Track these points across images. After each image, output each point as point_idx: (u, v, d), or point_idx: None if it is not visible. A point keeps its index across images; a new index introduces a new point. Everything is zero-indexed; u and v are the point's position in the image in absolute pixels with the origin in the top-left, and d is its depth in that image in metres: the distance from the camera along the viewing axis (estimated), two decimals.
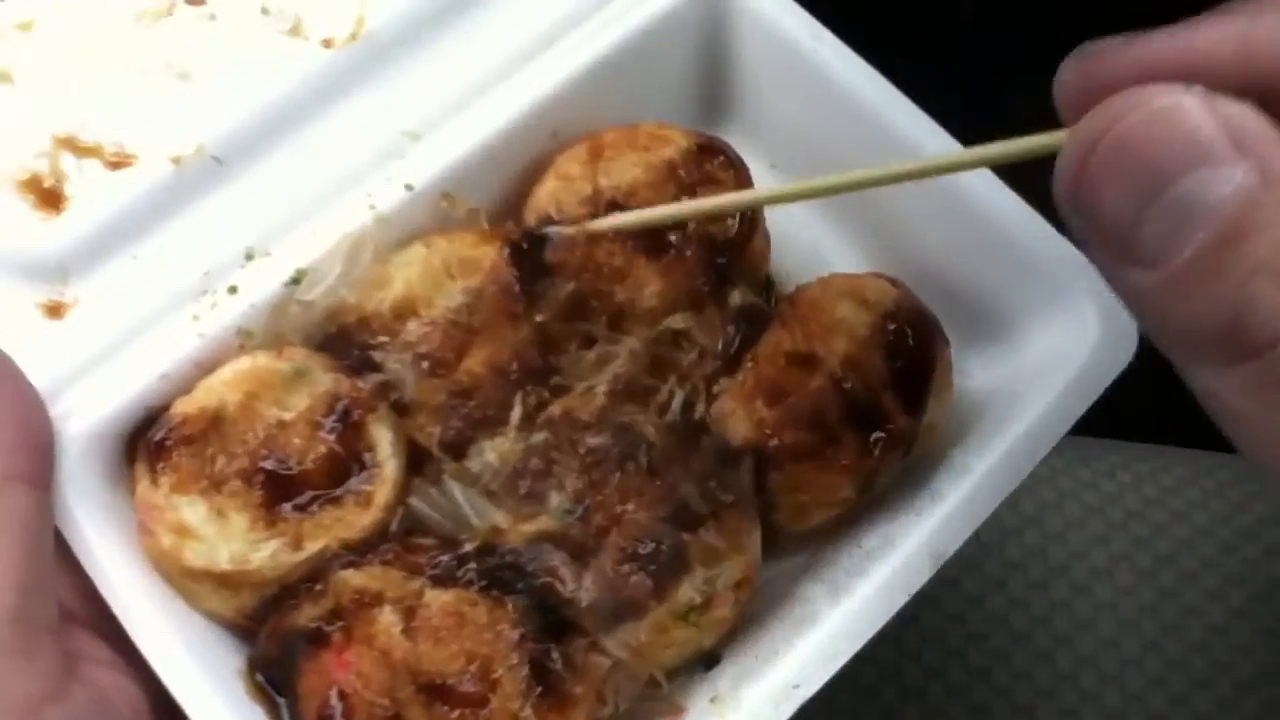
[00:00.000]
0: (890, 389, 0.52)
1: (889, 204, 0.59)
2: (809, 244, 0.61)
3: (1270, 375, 0.28)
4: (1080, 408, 0.52)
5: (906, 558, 0.49)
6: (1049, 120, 0.35)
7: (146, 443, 0.50)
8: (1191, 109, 0.29)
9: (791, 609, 0.50)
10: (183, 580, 0.49)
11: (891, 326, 0.53)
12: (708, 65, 0.61)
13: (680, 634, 0.49)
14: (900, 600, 0.48)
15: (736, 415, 0.51)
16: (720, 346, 0.53)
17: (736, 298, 0.54)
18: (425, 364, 0.51)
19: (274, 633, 0.48)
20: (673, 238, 0.54)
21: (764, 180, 0.62)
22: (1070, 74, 0.33)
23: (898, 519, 0.51)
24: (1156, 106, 0.29)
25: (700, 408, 0.52)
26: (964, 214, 0.57)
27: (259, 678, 0.49)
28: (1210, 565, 0.66)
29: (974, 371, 0.58)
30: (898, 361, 0.52)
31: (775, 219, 0.59)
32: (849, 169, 0.59)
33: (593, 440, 0.50)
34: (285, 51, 0.56)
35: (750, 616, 0.52)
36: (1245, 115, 0.28)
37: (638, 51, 0.58)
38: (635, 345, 0.53)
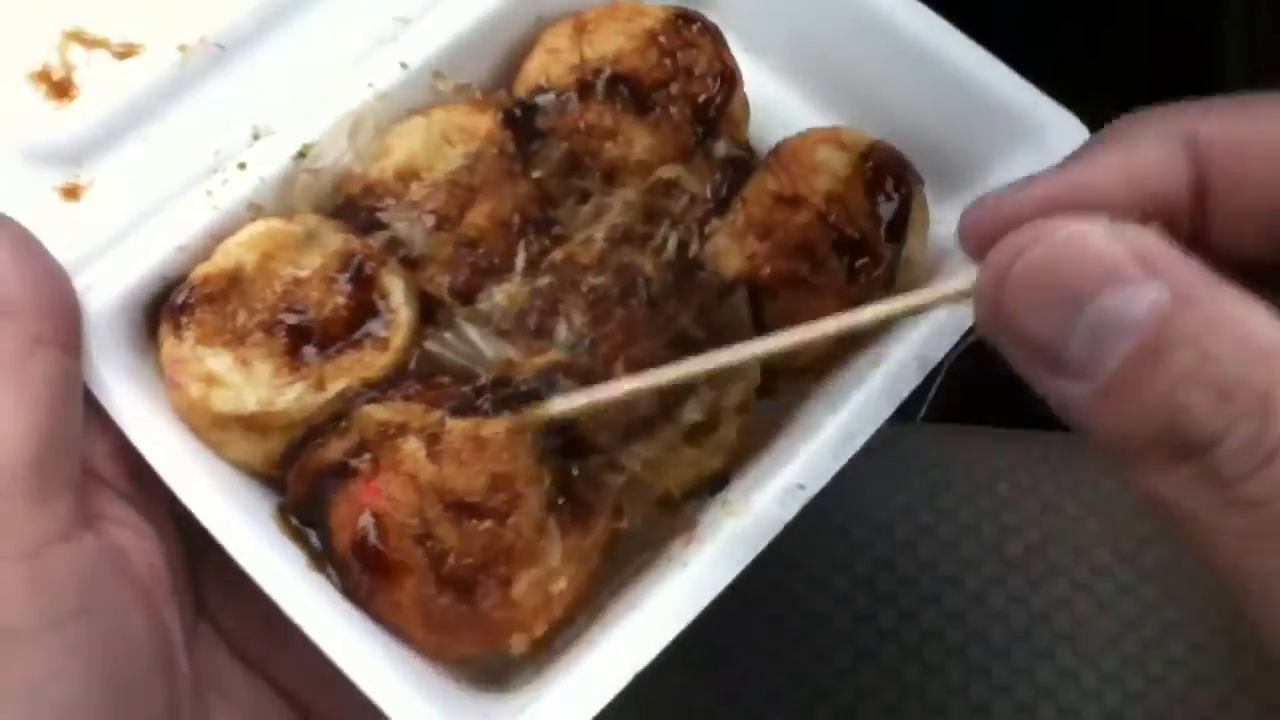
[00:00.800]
0: (870, 220, 0.55)
1: (860, 68, 0.63)
2: (784, 114, 0.64)
3: (1210, 474, 0.29)
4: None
5: (897, 364, 0.52)
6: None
7: (170, 306, 0.52)
8: (1096, 235, 0.30)
9: (793, 428, 0.53)
10: (212, 430, 0.51)
11: (869, 165, 0.56)
12: None
13: (689, 454, 0.52)
14: (899, 396, 0.51)
15: (729, 251, 0.54)
16: (709, 192, 0.56)
17: (721, 149, 0.57)
18: (431, 220, 0.54)
19: (303, 472, 0.50)
20: (657, 96, 0.57)
21: (743, 66, 0.65)
22: (970, 221, 0.34)
23: (885, 335, 0.54)
24: (1063, 234, 0.30)
25: (694, 247, 0.55)
26: (932, 70, 0.60)
27: (292, 520, 0.51)
28: None
29: (949, 219, 0.61)
30: (876, 196, 0.56)
31: (750, 90, 0.62)
32: (826, 48, 0.63)
33: (594, 280, 0.53)
34: None
35: (755, 444, 0.54)
36: (1147, 238, 0.30)
37: None
38: (630, 195, 0.55)
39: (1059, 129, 0.58)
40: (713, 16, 0.65)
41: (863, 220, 0.55)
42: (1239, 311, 0.29)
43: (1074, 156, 0.34)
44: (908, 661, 0.65)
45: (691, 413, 0.51)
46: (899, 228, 0.56)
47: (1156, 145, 0.32)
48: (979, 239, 0.32)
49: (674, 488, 0.51)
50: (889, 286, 0.56)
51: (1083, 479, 0.69)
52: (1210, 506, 0.29)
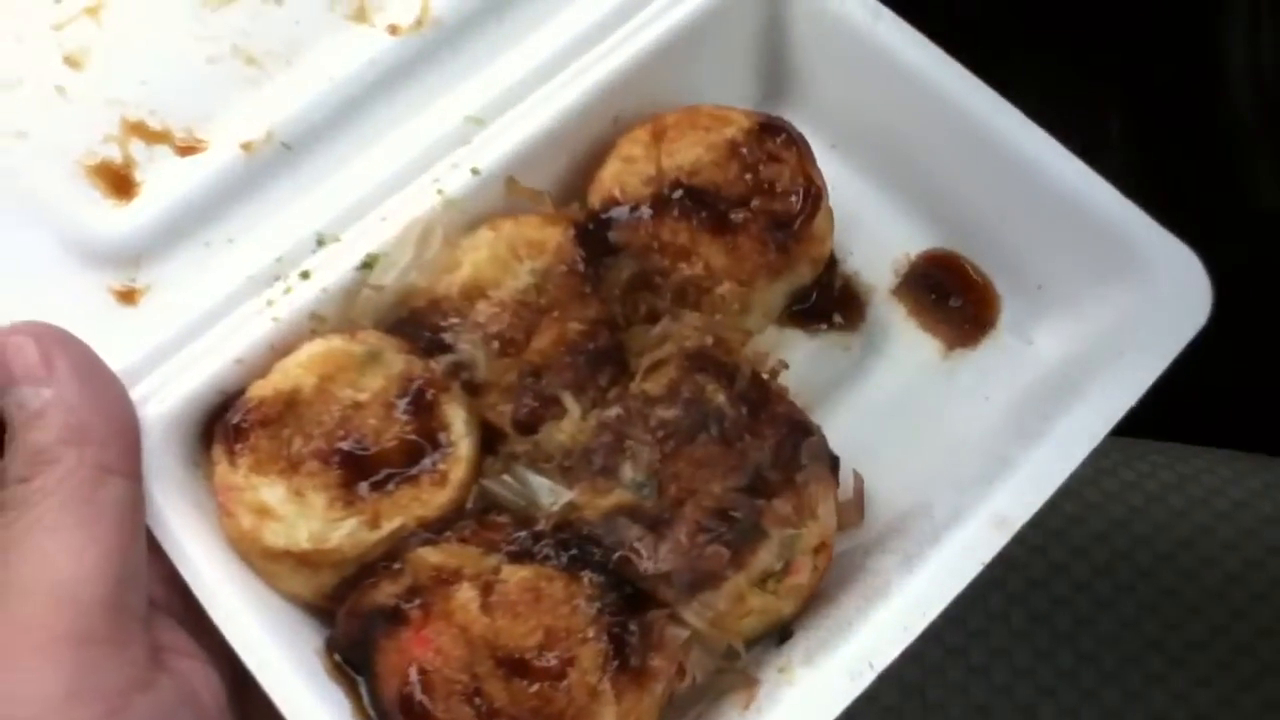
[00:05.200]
0: None
1: (948, 176, 0.59)
2: (871, 220, 0.61)
3: None
4: (1151, 374, 0.52)
5: (976, 527, 0.49)
6: None
7: (224, 426, 0.50)
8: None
9: (863, 580, 0.50)
10: (263, 561, 0.49)
11: None
12: (766, 47, 0.62)
13: (758, 602, 0.49)
14: (972, 570, 0.48)
15: None
16: None
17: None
18: (496, 344, 0.52)
19: (352, 611, 0.49)
20: (735, 215, 0.54)
21: (824, 160, 0.62)
22: None
23: (968, 490, 0.51)
24: None
25: (768, 377, 0.52)
26: (1024, 181, 0.57)
27: (337, 658, 0.49)
28: (1211, 564, 0.66)
29: (1041, 340, 0.58)
30: None
31: (838, 197, 0.59)
32: (912, 146, 0.60)
33: (664, 413, 0.51)
34: (351, 37, 0.56)
35: (822, 590, 0.52)
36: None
37: (696, 35, 0.59)
38: (699, 319, 0.53)
39: (1167, 259, 0.55)
40: (800, 112, 0.63)
41: None
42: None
43: None
44: (908, 662, 0.65)
45: (764, 561, 0.49)
46: None
47: None
48: None
49: (740, 637, 0.49)
50: None
51: (1084, 479, 0.68)
52: None
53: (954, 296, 0.59)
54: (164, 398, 0.51)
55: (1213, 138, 0.78)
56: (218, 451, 0.50)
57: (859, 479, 0.53)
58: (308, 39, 0.56)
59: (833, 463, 0.51)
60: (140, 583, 0.47)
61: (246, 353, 0.52)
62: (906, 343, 0.59)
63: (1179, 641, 0.64)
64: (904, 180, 0.61)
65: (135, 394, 0.51)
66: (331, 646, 0.49)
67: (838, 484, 0.52)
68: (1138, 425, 0.67)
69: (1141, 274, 0.54)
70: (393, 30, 0.56)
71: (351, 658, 0.49)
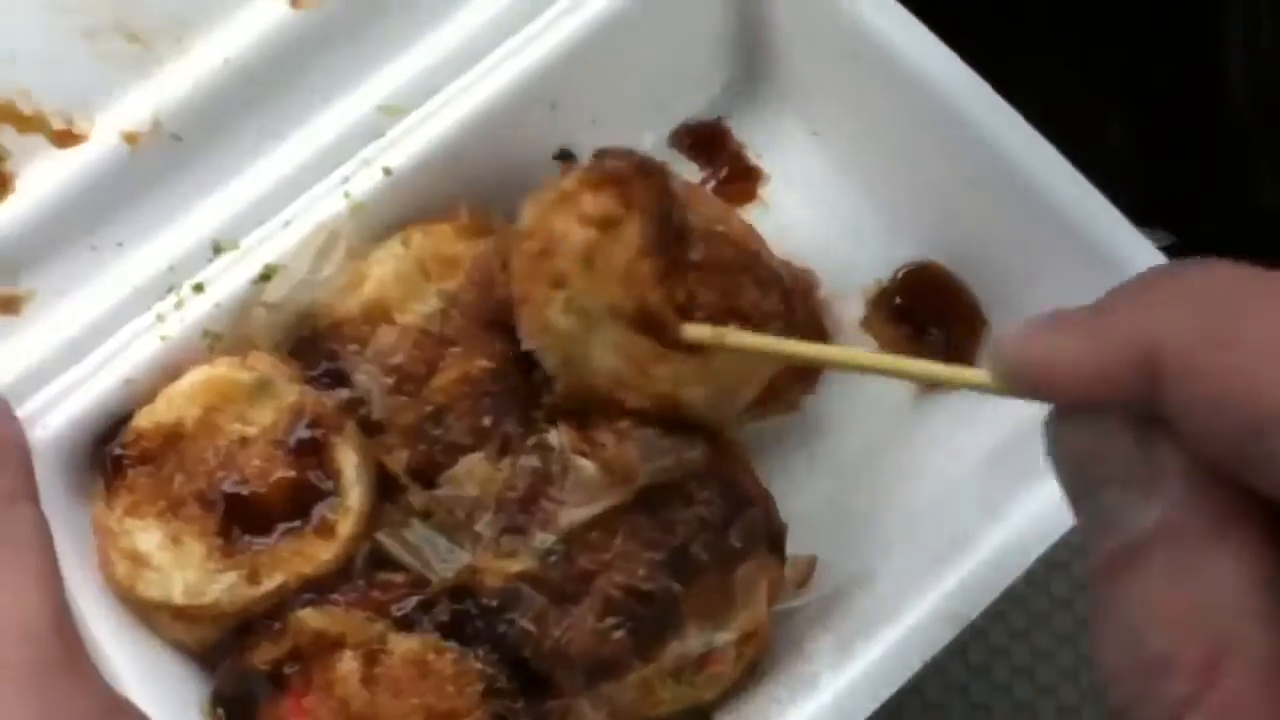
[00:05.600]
0: None
1: (935, 180, 0.52)
2: (847, 229, 0.54)
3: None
4: None
5: (924, 618, 0.43)
6: None
7: (104, 456, 0.47)
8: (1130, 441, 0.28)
9: (793, 665, 0.45)
10: (141, 609, 0.46)
11: None
12: (738, 19, 0.54)
13: (671, 693, 0.44)
14: (912, 666, 0.43)
15: None
16: None
17: None
18: (392, 379, 0.46)
19: (233, 671, 0.45)
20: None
21: (804, 146, 0.55)
22: (1005, 362, 0.31)
23: (920, 567, 0.45)
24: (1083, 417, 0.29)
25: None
26: (1017, 194, 0.50)
27: (220, 714, 0.46)
28: None
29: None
30: None
31: (815, 198, 0.52)
32: (895, 133, 0.53)
33: (582, 468, 0.45)
34: (250, 10, 0.50)
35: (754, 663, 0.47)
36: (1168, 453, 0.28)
37: (651, 4, 0.51)
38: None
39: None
40: (778, 95, 0.56)
41: None
42: (1206, 565, 0.27)
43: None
44: None
45: (676, 653, 0.44)
46: None
47: (1120, 353, 0.29)
48: (1014, 382, 0.31)
49: None
50: None
51: None
52: None
53: (932, 326, 0.52)
54: (48, 422, 0.47)
55: (1213, 138, 0.72)
56: (99, 486, 0.47)
57: (811, 559, 0.48)
58: (200, 12, 0.49)
59: (774, 539, 0.46)
60: (70, 611, 0.45)
61: (135, 373, 0.48)
62: (875, 384, 0.52)
63: None
64: (888, 182, 0.54)
65: (21, 413, 0.47)
66: (215, 701, 0.46)
67: (782, 560, 0.46)
68: None
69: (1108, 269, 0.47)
70: (295, 2, 0.49)
71: (234, 715, 0.46)
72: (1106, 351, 0.28)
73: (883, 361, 0.39)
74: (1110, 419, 0.28)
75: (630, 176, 0.45)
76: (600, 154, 0.47)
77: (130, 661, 0.45)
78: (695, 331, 0.42)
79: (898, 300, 0.53)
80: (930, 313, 0.53)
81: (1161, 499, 0.27)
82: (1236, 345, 0.26)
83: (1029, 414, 0.49)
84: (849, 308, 0.53)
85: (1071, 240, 0.49)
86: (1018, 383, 0.30)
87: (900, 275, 0.54)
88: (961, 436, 0.51)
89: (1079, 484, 0.29)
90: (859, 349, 0.39)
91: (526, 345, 0.45)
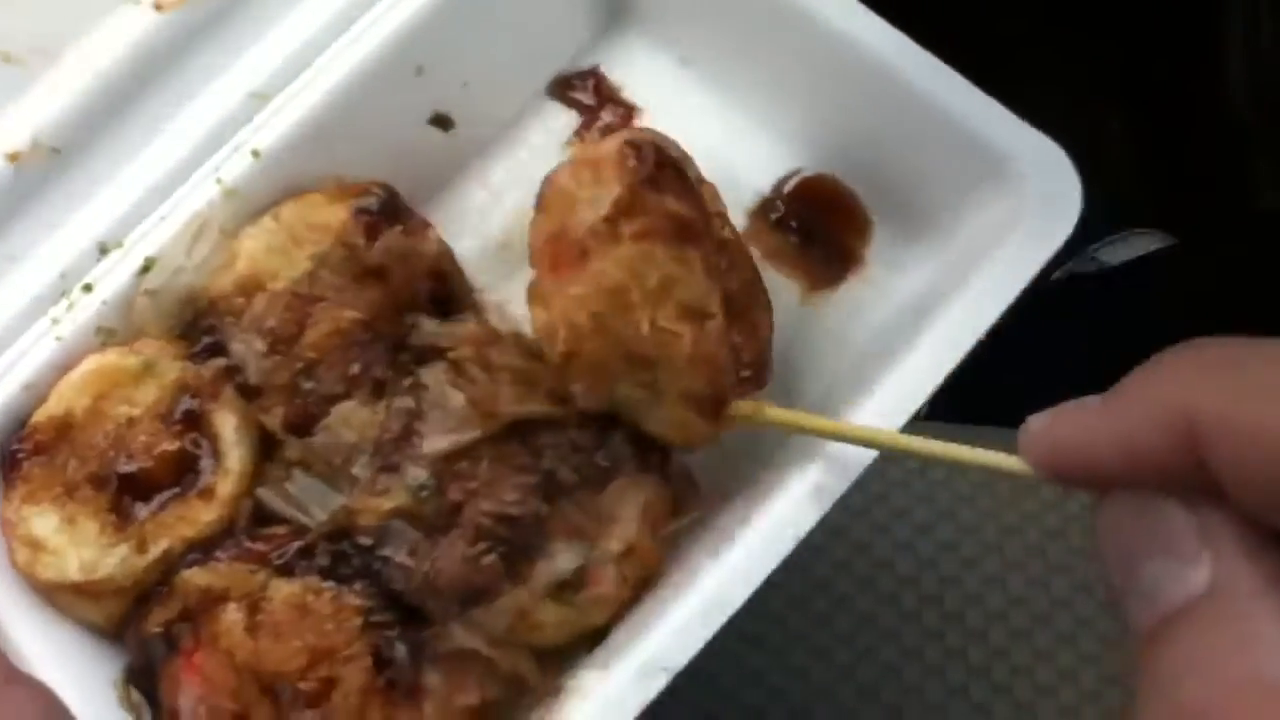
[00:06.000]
0: None
1: (807, 91, 0.52)
2: (726, 150, 0.54)
3: None
4: (1005, 296, 0.44)
5: (790, 500, 0.42)
6: None
7: (2, 455, 0.48)
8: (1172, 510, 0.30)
9: (673, 573, 0.44)
10: (46, 593, 0.47)
11: None
12: None
13: (553, 615, 0.44)
14: (783, 548, 0.41)
15: None
16: None
17: None
18: (265, 342, 0.47)
19: (133, 640, 0.46)
20: None
21: (675, 78, 0.55)
22: (1035, 452, 0.33)
23: (792, 459, 0.44)
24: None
25: None
26: (884, 88, 0.49)
27: (133, 690, 0.47)
28: None
29: (908, 270, 0.50)
30: None
31: (690, 125, 0.52)
32: (762, 48, 0.53)
33: (451, 399, 0.46)
34: (115, 19, 0.52)
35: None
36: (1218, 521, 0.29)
37: None
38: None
39: (1035, 160, 0.46)
40: (650, 29, 0.56)
41: None
42: (1246, 631, 0.27)
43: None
44: (908, 661, 0.66)
45: (547, 572, 0.43)
46: None
47: (1151, 424, 0.30)
48: (1045, 468, 0.32)
49: (524, 654, 0.44)
50: None
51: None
52: None
53: (816, 231, 0.52)
54: None
55: (1213, 138, 0.74)
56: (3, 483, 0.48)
57: (678, 462, 0.47)
58: (68, 25, 0.52)
59: (646, 457, 0.45)
60: None
61: (33, 377, 0.49)
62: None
63: None
64: (764, 99, 0.54)
65: None
66: (127, 677, 0.47)
67: (663, 480, 0.46)
68: None
69: (1007, 177, 0.46)
70: (158, 6, 0.52)
71: (143, 686, 0.46)
72: (1137, 423, 0.29)
73: (929, 447, 0.38)
74: (1152, 492, 0.29)
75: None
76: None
77: (40, 644, 0.46)
78: (742, 409, 0.43)
79: (780, 208, 0.52)
80: (814, 220, 0.52)
81: (1212, 561, 0.28)
82: (1273, 395, 0.27)
83: (915, 290, 0.49)
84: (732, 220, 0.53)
85: (951, 133, 0.49)
86: (1051, 467, 0.32)
87: (781, 186, 0.53)
88: (848, 328, 0.50)
89: (1124, 561, 0.30)
90: (907, 435, 0.39)
91: (584, 404, 0.44)
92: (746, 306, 0.45)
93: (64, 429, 0.48)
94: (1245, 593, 0.28)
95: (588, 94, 0.56)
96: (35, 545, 0.46)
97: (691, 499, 0.47)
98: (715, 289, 0.43)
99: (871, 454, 0.42)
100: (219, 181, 0.51)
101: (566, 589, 0.44)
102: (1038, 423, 0.32)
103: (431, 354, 0.47)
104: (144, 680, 0.46)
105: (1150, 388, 0.30)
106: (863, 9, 0.50)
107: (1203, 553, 0.29)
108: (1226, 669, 0.27)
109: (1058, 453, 0.31)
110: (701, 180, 0.47)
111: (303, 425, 0.47)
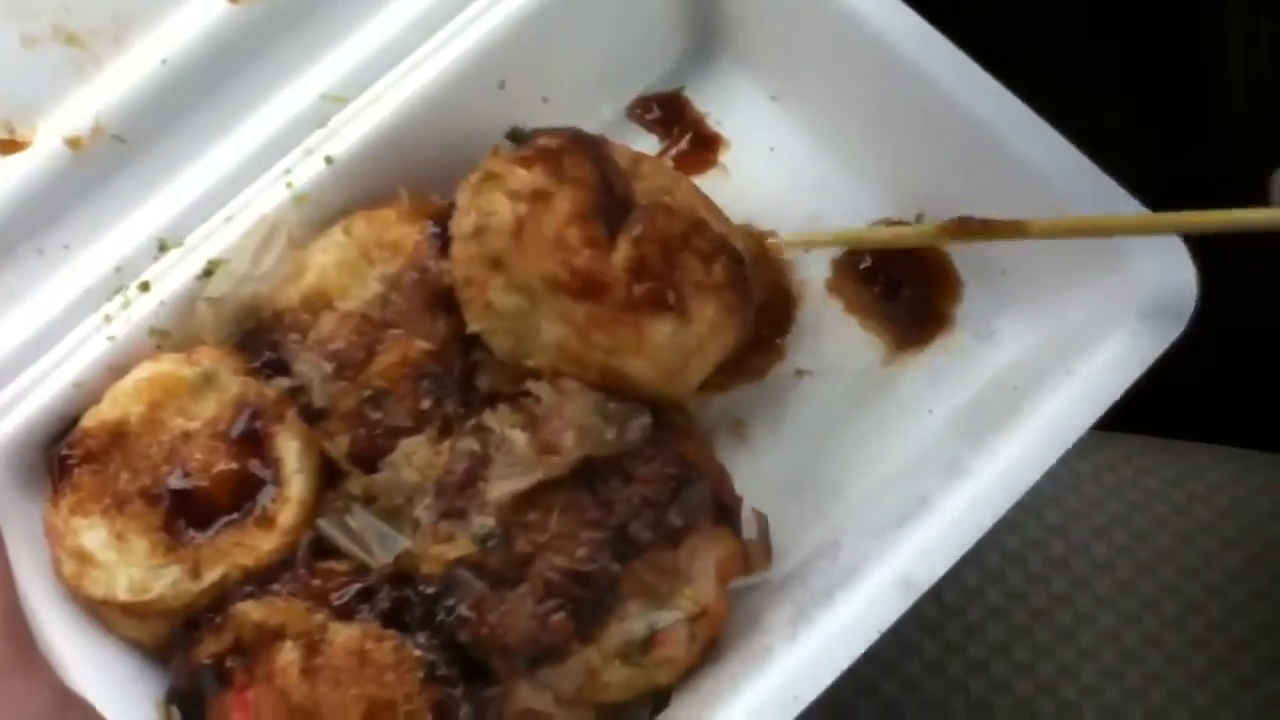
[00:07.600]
0: None
1: (903, 141, 0.50)
2: (812, 193, 0.52)
3: None
4: (1110, 393, 0.42)
5: (877, 587, 0.41)
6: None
7: (51, 457, 0.47)
8: None
9: (750, 639, 0.43)
10: (92, 607, 0.46)
11: None
12: None
13: (620, 675, 0.43)
14: (867, 638, 0.40)
15: None
16: None
17: None
18: (332, 365, 0.46)
19: (181, 666, 0.45)
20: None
21: (764, 111, 0.53)
22: None
23: (879, 534, 0.43)
24: None
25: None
26: (985, 147, 0.48)
27: (174, 710, 0.45)
28: (1210, 561, 0.62)
29: (1001, 339, 0.49)
30: None
31: (776, 162, 0.50)
32: (857, 92, 0.51)
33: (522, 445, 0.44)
34: (187, 7, 0.49)
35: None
36: None
37: None
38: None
39: (1153, 249, 0.44)
40: (735, 60, 0.54)
41: None
42: None
43: None
44: (908, 658, 0.64)
45: (619, 634, 0.42)
46: None
47: None
48: None
49: (600, 709, 0.43)
50: None
51: (1083, 475, 0.65)
52: None
53: (905, 286, 0.50)
54: (1, 426, 0.47)
55: (1213, 137, 0.74)
56: (49, 486, 0.47)
57: (762, 519, 0.46)
58: (137, 11, 0.49)
59: (723, 513, 0.44)
60: (22, 611, 0.44)
61: (84, 375, 0.48)
62: (843, 347, 0.50)
63: (1180, 639, 0.62)
64: (854, 144, 0.52)
65: None
66: (170, 698, 0.46)
67: (736, 534, 0.44)
68: (1135, 422, 0.60)
69: (1119, 262, 0.44)
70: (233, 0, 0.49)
71: (187, 712, 0.45)
72: None
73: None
74: None
75: (560, 150, 0.44)
76: (535, 133, 0.46)
77: (83, 660, 0.45)
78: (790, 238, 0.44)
79: (868, 258, 0.51)
80: (901, 272, 0.50)
81: None
82: None
83: (1007, 364, 0.48)
84: (815, 269, 0.51)
85: (1047, 194, 0.47)
86: None
87: None
88: (936, 396, 0.48)
89: None
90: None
91: (473, 328, 0.45)
92: (661, 237, 0.45)
93: (116, 436, 0.46)
94: None
95: (669, 118, 0.54)
96: (84, 559, 0.45)
97: (762, 556, 0.46)
98: None
99: (970, 540, 0.40)
100: (289, 185, 0.48)
101: (635, 649, 0.43)
102: None
103: (500, 396, 0.45)
104: (187, 705, 0.45)
105: None
106: (964, 58, 0.48)
107: None
108: None
109: None
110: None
111: (367, 457, 0.45)
